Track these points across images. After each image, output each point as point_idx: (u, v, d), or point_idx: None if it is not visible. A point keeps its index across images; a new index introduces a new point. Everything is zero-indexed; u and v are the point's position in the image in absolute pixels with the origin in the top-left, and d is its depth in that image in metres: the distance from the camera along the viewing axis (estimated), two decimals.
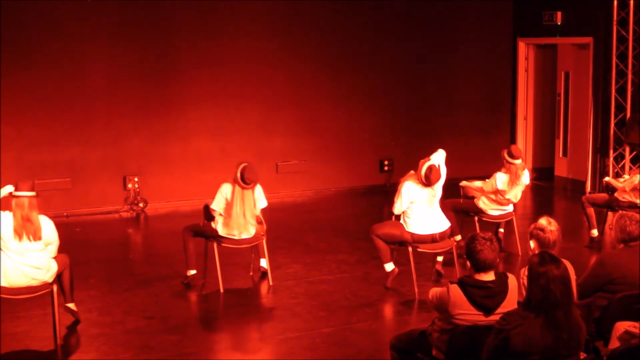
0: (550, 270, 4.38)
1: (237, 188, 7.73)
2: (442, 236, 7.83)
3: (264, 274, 8.30)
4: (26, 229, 6.41)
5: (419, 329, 5.33)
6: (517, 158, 8.88)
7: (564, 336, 4.36)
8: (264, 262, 8.28)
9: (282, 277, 8.36)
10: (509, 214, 9.13)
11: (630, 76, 11.67)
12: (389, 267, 7.89)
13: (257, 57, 12.14)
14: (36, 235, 6.45)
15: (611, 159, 11.98)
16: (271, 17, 12.20)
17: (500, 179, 8.85)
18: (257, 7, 12.06)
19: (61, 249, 6.82)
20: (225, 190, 7.79)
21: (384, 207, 11.19)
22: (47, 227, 6.55)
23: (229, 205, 7.76)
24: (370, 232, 7.92)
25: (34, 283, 6.51)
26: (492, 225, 9.16)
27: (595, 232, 9.49)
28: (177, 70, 11.73)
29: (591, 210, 9.44)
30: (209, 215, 7.97)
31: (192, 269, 8.09)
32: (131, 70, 11.50)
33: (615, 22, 11.71)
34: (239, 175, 7.69)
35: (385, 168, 13.08)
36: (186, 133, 11.83)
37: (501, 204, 8.97)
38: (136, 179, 11.55)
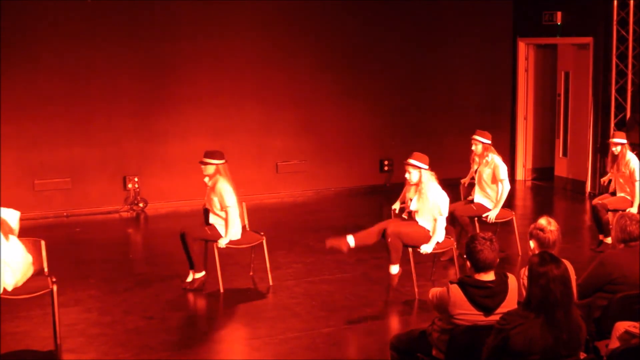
0: (550, 270, 4.38)
1: (224, 166, 7.94)
2: None
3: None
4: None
5: (419, 329, 5.33)
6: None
7: (564, 336, 4.36)
8: None
9: (282, 277, 8.36)
10: (509, 213, 9.13)
11: (630, 76, 11.67)
12: (395, 269, 7.67)
13: (257, 56, 12.14)
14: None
15: None
16: (271, 17, 12.19)
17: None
18: (257, 7, 12.06)
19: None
20: (226, 187, 7.81)
21: (384, 207, 11.18)
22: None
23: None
24: (390, 232, 7.54)
25: None
26: (492, 225, 9.15)
27: (608, 240, 8.68)
28: (177, 70, 11.72)
29: (607, 217, 8.87)
30: (209, 218, 7.96)
31: (200, 270, 8.00)
32: (131, 70, 11.50)
33: (615, 22, 11.71)
34: (207, 160, 7.95)
35: (385, 168, 13.07)
36: (186, 133, 11.82)
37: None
38: (136, 179, 11.55)
